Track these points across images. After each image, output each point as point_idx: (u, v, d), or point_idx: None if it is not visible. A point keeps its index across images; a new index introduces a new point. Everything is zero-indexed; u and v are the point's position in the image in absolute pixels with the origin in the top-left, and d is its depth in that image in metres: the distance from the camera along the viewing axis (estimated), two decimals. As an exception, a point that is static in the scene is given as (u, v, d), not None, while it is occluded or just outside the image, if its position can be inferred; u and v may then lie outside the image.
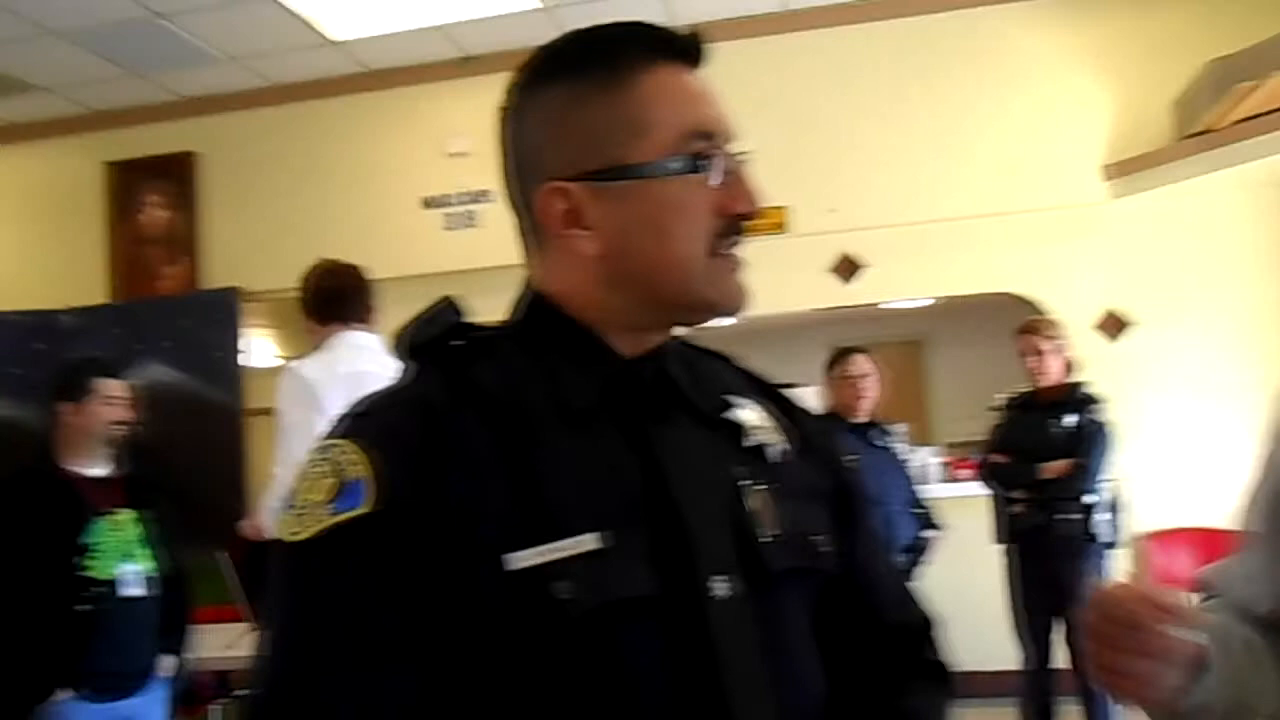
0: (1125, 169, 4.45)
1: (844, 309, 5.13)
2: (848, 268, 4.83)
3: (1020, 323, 3.87)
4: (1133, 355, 4.64)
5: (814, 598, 0.85)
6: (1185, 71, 4.22)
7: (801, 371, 4.76)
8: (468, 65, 4.97)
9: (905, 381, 7.15)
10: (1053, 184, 4.61)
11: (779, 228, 4.77)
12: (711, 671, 0.74)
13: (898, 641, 0.91)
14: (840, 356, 3.70)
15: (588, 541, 0.72)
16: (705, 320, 0.84)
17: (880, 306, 5.75)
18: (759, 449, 0.85)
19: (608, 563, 0.72)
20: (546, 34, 0.85)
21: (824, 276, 4.84)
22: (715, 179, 0.80)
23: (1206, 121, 4.04)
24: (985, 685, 4.55)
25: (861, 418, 3.60)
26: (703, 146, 0.79)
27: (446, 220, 5.08)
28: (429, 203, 5.11)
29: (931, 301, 5.97)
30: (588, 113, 0.79)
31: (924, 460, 5.11)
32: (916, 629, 0.93)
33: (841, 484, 0.91)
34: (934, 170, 4.70)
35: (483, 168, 4.87)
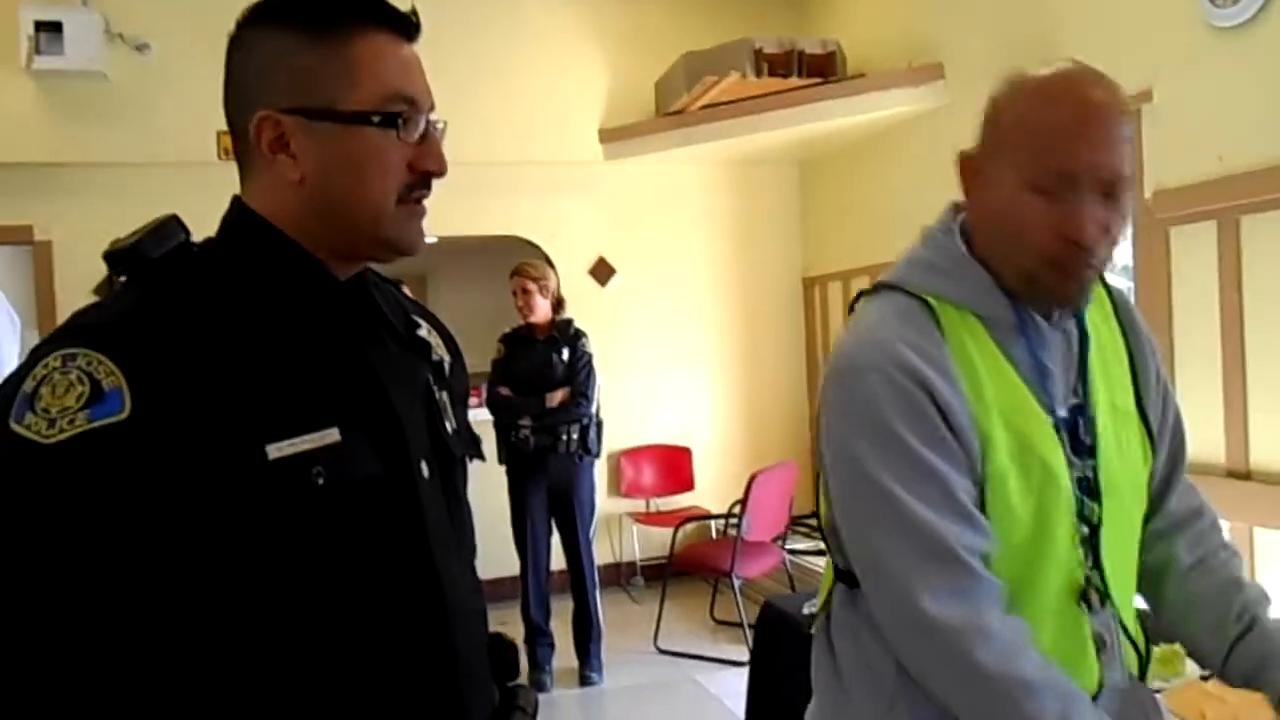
0: (615, 136, 5.11)
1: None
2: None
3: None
4: (616, 298, 5.37)
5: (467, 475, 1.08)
6: (667, 58, 4.94)
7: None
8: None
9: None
10: (558, 141, 5.13)
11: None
12: (421, 534, 0.94)
13: None
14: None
15: (332, 434, 0.87)
16: (389, 258, 0.97)
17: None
18: (440, 362, 1.05)
19: (347, 451, 0.88)
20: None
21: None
22: (411, 138, 0.93)
23: (679, 105, 4.79)
24: (493, 591, 5.05)
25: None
26: (404, 109, 0.92)
27: None
28: None
29: (435, 240, 6.25)
30: (305, 56, 0.90)
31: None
32: None
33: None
34: (455, 115, 4.92)
35: None
